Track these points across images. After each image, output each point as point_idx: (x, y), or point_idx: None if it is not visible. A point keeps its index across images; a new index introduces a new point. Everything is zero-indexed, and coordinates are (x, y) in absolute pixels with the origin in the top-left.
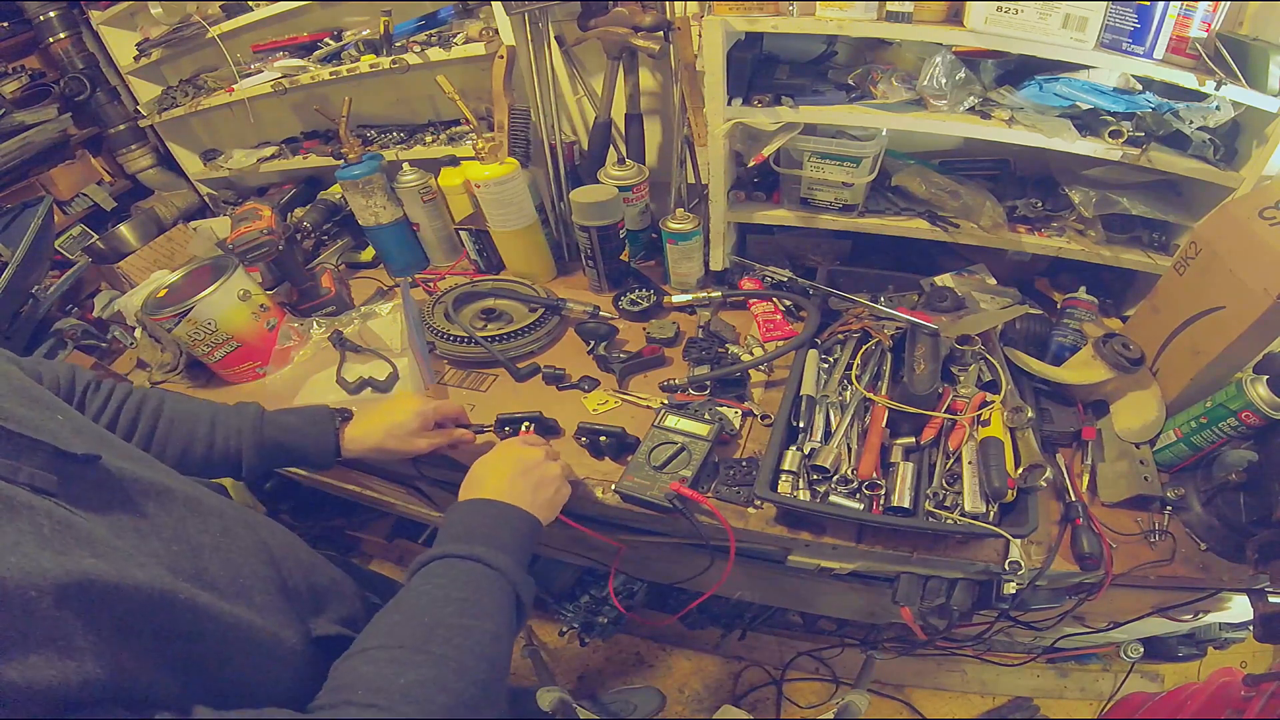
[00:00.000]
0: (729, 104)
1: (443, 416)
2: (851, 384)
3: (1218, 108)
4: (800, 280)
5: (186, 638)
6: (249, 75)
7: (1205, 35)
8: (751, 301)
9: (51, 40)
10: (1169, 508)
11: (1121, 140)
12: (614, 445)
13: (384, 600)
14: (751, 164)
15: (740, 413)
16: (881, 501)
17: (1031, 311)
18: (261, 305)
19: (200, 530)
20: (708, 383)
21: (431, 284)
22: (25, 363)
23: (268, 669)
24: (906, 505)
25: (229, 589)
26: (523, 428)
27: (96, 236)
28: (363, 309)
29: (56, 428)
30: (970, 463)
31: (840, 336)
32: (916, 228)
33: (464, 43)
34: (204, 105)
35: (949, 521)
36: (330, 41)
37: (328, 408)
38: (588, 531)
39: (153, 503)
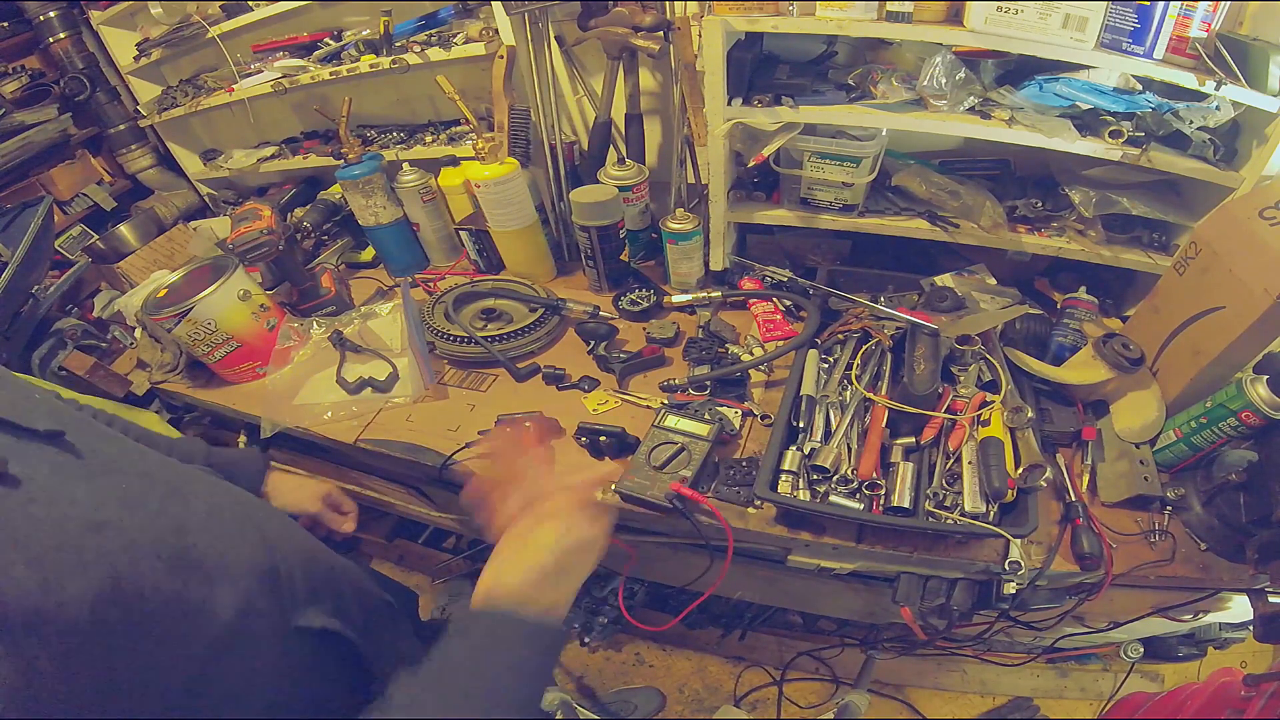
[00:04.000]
0: (729, 104)
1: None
2: (851, 384)
3: (1218, 108)
4: (800, 280)
5: (139, 639)
6: (249, 75)
7: (1205, 35)
8: (751, 301)
9: (51, 40)
10: (1169, 508)
11: (1121, 140)
12: (614, 445)
13: (392, 595)
14: (751, 164)
15: (740, 413)
16: (881, 501)
17: (1031, 311)
18: (261, 305)
19: (183, 508)
20: (708, 383)
21: (431, 284)
22: None
23: (242, 662)
24: (906, 505)
25: (212, 570)
26: (524, 427)
27: (96, 236)
28: (363, 309)
29: (28, 407)
30: (970, 463)
31: (840, 336)
32: (916, 228)
33: (464, 43)
34: (204, 105)
35: (949, 521)
36: (330, 41)
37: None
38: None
39: (134, 479)
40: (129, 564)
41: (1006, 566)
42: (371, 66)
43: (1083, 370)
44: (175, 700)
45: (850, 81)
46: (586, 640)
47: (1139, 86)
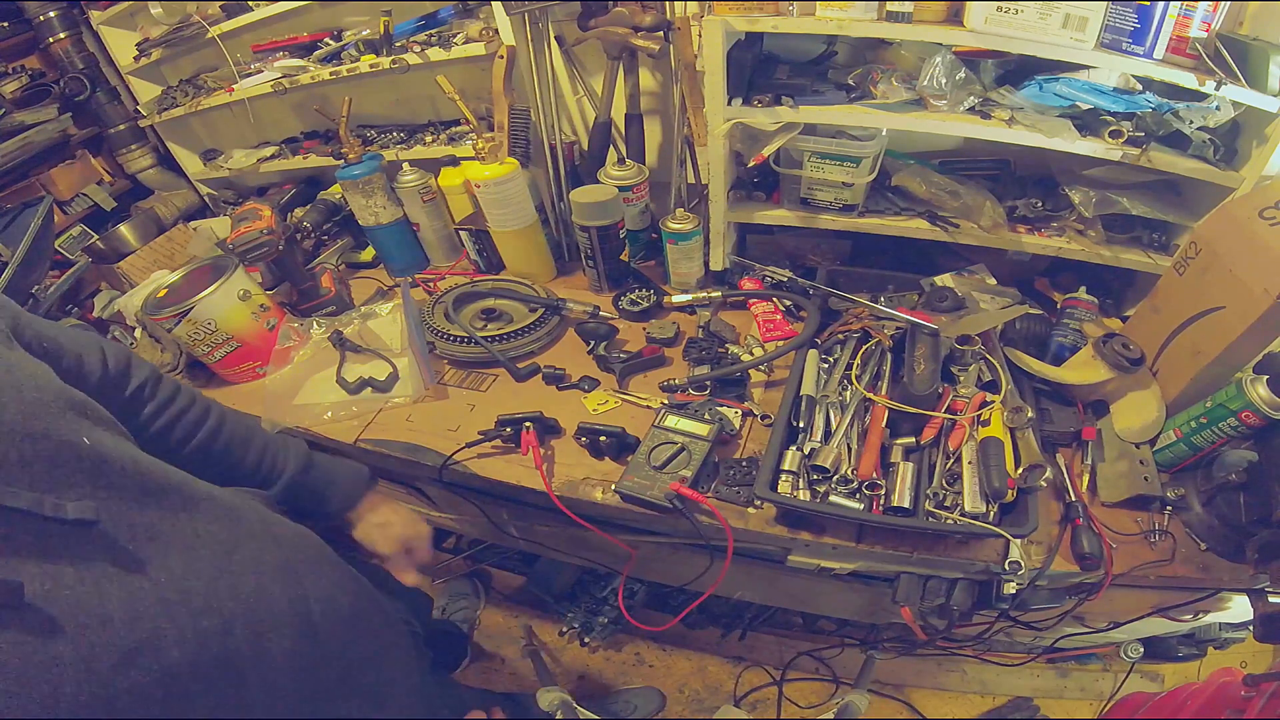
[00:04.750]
0: (729, 104)
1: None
2: (851, 384)
3: (1218, 108)
4: (800, 280)
5: None
6: (249, 75)
7: (1205, 35)
8: (751, 301)
9: (51, 40)
10: (1169, 508)
11: (1121, 140)
12: (614, 445)
13: (407, 602)
14: (751, 164)
15: (740, 413)
16: (881, 501)
17: (1031, 311)
18: (261, 305)
19: (229, 590)
20: (708, 383)
21: (431, 284)
22: (67, 341)
23: None
24: (906, 505)
25: (251, 673)
26: (524, 428)
27: (96, 236)
28: (363, 309)
29: (59, 472)
30: (970, 463)
31: (840, 336)
32: (916, 228)
33: (464, 43)
34: (204, 105)
35: (949, 521)
36: (330, 41)
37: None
38: (602, 534)
39: (177, 562)
40: (162, 692)
41: (1006, 566)
42: (371, 66)
43: (1083, 370)
44: None
45: (850, 81)
46: (586, 640)
47: (1139, 86)
